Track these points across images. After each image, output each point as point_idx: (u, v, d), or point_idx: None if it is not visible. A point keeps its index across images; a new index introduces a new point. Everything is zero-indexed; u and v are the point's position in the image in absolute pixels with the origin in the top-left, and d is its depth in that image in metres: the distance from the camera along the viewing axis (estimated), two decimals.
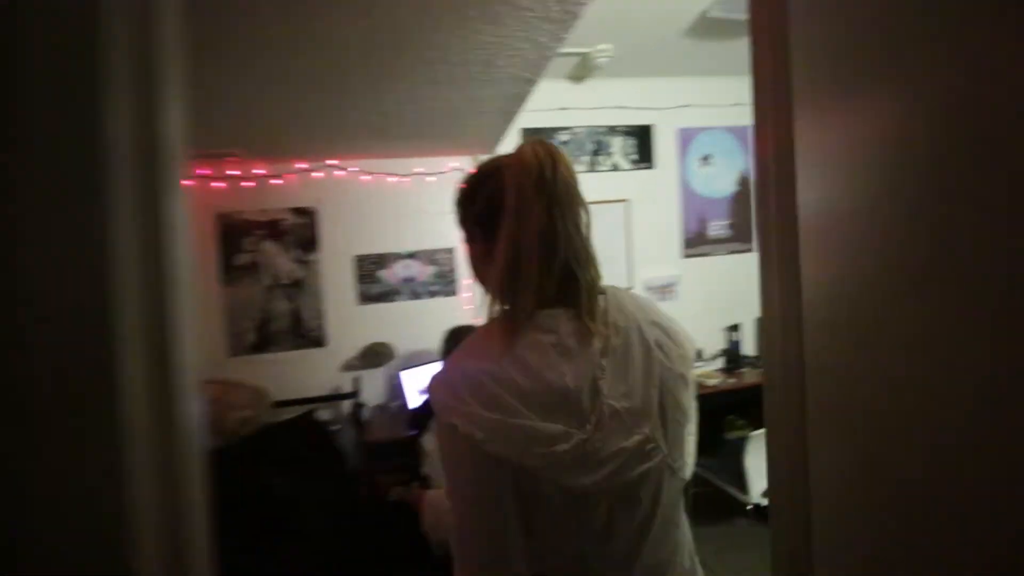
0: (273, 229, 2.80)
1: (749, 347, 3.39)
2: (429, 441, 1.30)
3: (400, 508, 2.04)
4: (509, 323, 0.66)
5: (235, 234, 2.77)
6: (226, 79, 1.61)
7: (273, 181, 2.79)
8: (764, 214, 0.56)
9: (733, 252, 3.55)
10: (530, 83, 1.82)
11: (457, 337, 2.29)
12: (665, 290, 3.37)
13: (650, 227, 3.35)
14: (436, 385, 0.67)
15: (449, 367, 0.68)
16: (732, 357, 3.21)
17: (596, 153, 3.28)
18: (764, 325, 0.58)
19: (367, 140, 2.48)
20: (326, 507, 1.87)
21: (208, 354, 2.75)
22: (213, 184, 2.73)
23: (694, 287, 3.42)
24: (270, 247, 2.80)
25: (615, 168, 3.31)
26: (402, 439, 2.38)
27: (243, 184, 2.76)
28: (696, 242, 3.47)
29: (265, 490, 1.71)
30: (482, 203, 0.73)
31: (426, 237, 3.01)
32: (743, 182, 3.58)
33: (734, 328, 3.37)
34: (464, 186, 0.79)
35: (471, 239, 0.77)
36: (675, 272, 3.39)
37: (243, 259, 2.78)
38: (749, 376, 3.04)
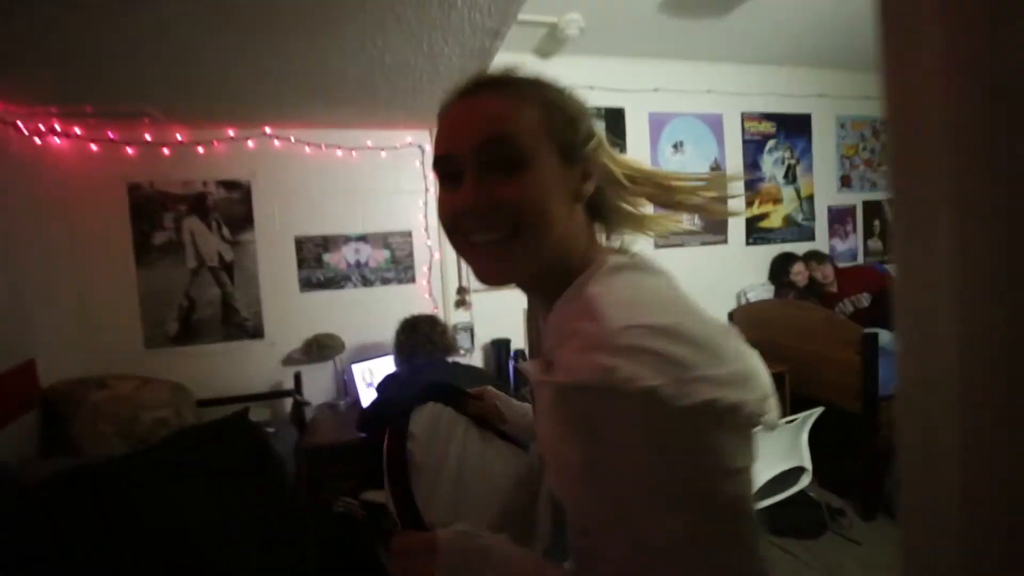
0: (197, 204, 2.45)
1: None
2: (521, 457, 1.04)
3: (348, 521, 1.78)
4: (640, 259, 0.57)
5: (151, 208, 2.40)
6: (125, 19, 1.29)
7: (197, 149, 2.43)
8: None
9: (706, 244, 3.41)
10: (496, 36, 1.57)
11: (415, 328, 2.03)
12: None
13: None
14: (632, 364, 0.43)
15: (633, 332, 0.44)
16: None
17: None
18: (906, 392, 0.35)
19: (308, 104, 2.17)
20: (256, 529, 1.58)
21: (120, 345, 2.39)
22: (124, 150, 2.35)
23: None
24: (194, 224, 2.45)
25: None
26: (351, 442, 2.12)
27: (161, 151, 2.39)
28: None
29: (175, 517, 1.42)
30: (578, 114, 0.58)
31: (379, 218, 2.72)
32: (715, 171, 3.44)
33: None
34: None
35: (545, 156, 0.53)
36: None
37: (162, 237, 2.42)
38: None
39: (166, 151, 2.40)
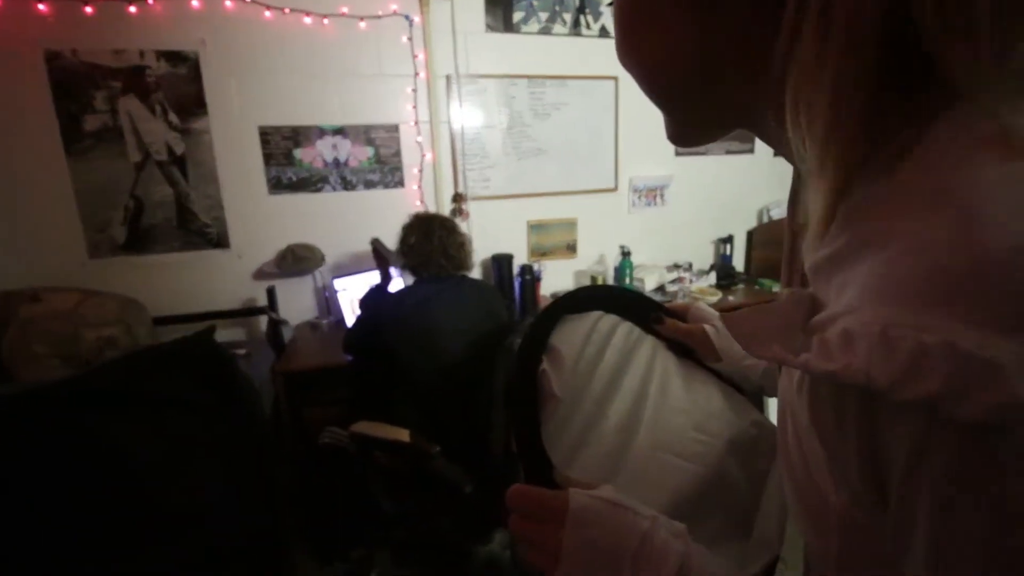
0: (134, 80, 1.99)
1: (739, 262, 3.00)
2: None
3: (335, 454, 1.57)
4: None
5: (78, 84, 1.95)
6: None
7: (128, 8, 1.93)
8: None
9: (730, 153, 3.03)
10: None
11: (428, 234, 1.67)
12: (652, 194, 2.85)
13: (641, 116, 2.74)
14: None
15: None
16: (724, 272, 2.81)
17: (581, 10, 2.55)
18: None
19: None
20: (219, 465, 1.35)
21: (58, 254, 2.04)
22: (34, 6, 1.85)
23: (685, 192, 2.91)
24: (133, 106, 2.01)
25: (604, 33, 2.61)
26: (336, 366, 1.87)
27: (82, 10, 1.89)
28: None
29: (119, 452, 1.17)
30: None
31: (359, 108, 2.28)
32: None
33: (726, 240, 2.94)
34: None
35: None
36: (666, 173, 2.86)
37: (95, 122, 1.99)
38: (743, 294, 2.67)
39: (88, 10, 1.90)
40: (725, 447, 0.58)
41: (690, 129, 0.37)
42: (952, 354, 0.19)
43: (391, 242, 1.81)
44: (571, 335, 0.63)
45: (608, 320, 0.67)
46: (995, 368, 0.18)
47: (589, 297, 0.68)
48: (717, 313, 0.66)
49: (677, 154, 2.89)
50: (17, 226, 1.98)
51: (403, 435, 1.37)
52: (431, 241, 1.63)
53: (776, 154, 0.35)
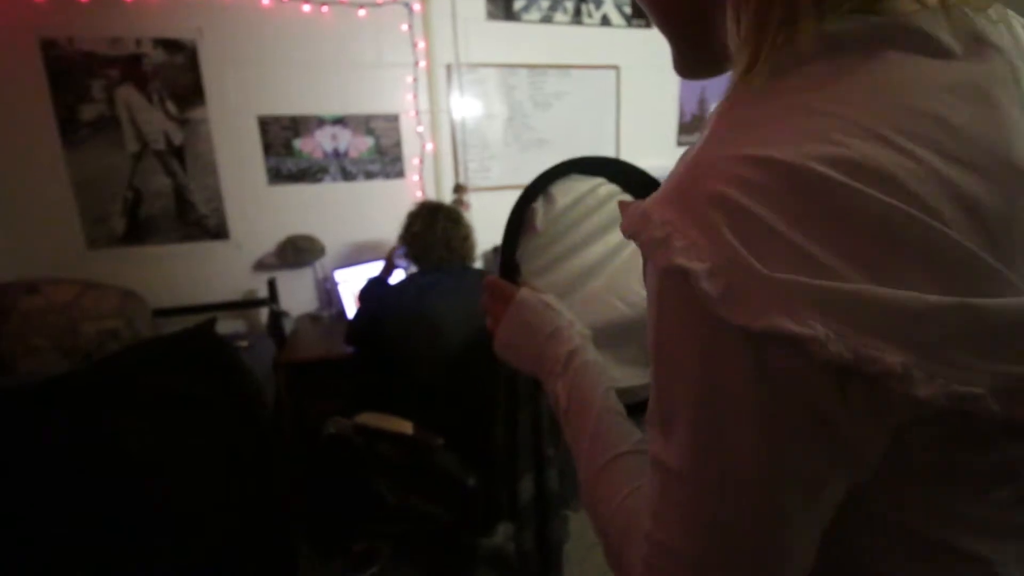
0: (131, 69, 1.96)
1: None
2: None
3: (340, 444, 1.57)
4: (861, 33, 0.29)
5: (75, 74, 1.92)
6: None
7: None
8: None
9: None
10: None
11: (432, 224, 1.63)
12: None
13: (642, 105, 2.72)
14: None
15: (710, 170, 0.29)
16: None
17: None
18: None
19: None
20: (219, 460, 1.35)
21: (56, 245, 2.02)
22: None
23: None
24: (130, 95, 1.98)
25: (605, 22, 2.58)
26: (338, 358, 1.86)
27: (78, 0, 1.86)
28: (693, 127, 2.89)
29: (116, 448, 1.16)
30: None
31: (359, 97, 2.26)
32: None
33: None
34: None
35: None
36: (668, 163, 2.81)
37: (92, 112, 1.96)
38: None
39: None
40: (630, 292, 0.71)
41: (699, 55, 0.41)
42: (642, 211, 0.31)
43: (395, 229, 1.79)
44: (570, 189, 0.72)
45: (608, 188, 0.73)
46: (647, 217, 0.30)
47: (600, 165, 0.74)
48: None
49: (679, 144, 2.87)
50: (15, 218, 1.96)
51: (406, 427, 1.37)
52: (434, 231, 1.61)
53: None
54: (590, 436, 0.46)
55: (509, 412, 1.35)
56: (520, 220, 0.70)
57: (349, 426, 1.53)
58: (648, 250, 0.30)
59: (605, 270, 0.72)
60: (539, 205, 0.70)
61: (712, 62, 0.40)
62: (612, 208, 0.73)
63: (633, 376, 0.64)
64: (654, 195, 0.31)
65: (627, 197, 0.74)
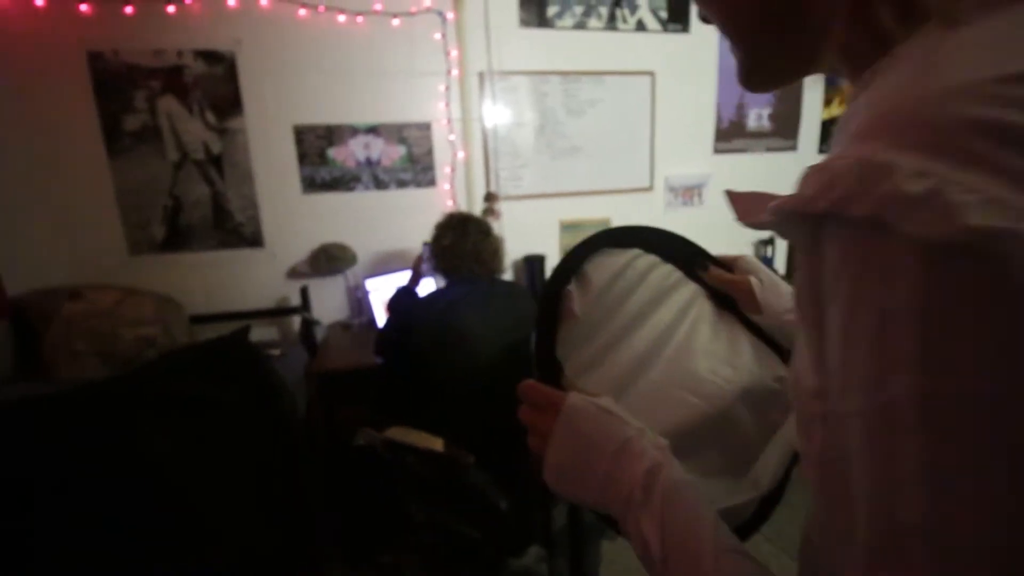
0: (173, 80, 2.01)
1: (781, 263, 2.88)
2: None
3: (369, 456, 1.55)
4: None
5: (118, 85, 1.97)
6: None
7: (167, 8, 1.95)
8: None
9: (771, 150, 2.91)
10: None
11: (464, 236, 1.61)
12: (689, 193, 2.76)
13: (678, 111, 2.66)
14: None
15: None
16: None
17: (618, 3, 2.48)
18: None
19: None
20: (250, 469, 1.34)
21: (101, 251, 2.07)
22: (76, 6, 1.88)
23: (724, 191, 2.81)
24: (171, 106, 2.03)
25: (640, 27, 2.53)
26: (367, 367, 1.85)
27: (123, 11, 1.91)
28: (731, 134, 2.81)
29: (149, 454, 1.16)
30: None
31: (391, 106, 2.26)
32: None
33: (767, 243, 2.83)
34: None
35: None
36: (703, 171, 2.76)
37: (135, 122, 2.01)
38: None
39: (129, 10, 1.92)
40: (738, 392, 0.59)
41: (768, 62, 0.36)
42: (857, 164, 0.22)
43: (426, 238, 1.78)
44: (605, 266, 0.64)
45: (647, 260, 0.67)
46: (887, 168, 0.21)
47: (632, 234, 0.67)
48: (765, 267, 0.67)
49: (715, 152, 2.79)
50: (61, 224, 2.03)
51: (436, 444, 1.34)
52: (465, 244, 1.59)
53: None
54: None
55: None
56: (555, 308, 0.60)
57: (378, 439, 1.51)
58: (895, 215, 0.21)
59: (661, 356, 0.61)
60: (573, 287, 0.61)
61: (793, 69, 0.36)
62: (656, 281, 0.66)
63: (724, 492, 0.52)
64: (845, 148, 0.24)
65: (668, 267, 0.68)
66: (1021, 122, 0.19)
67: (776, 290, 0.64)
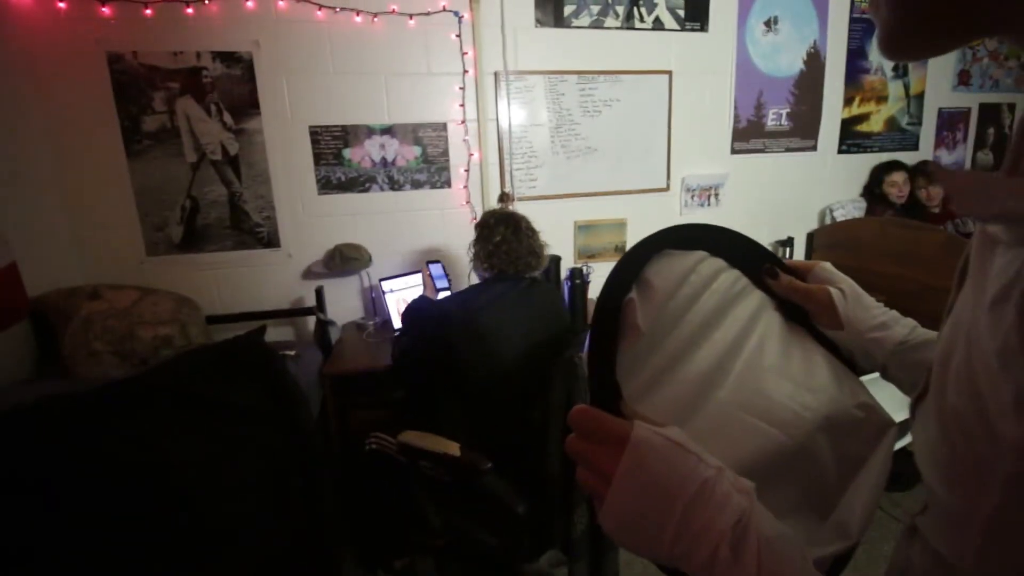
0: (191, 82, 2.02)
1: None
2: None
3: (381, 460, 1.53)
4: None
5: (137, 86, 1.99)
6: None
7: (186, 10, 1.96)
8: None
9: (790, 150, 2.87)
10: None
11: (516, 235, 1.58)
12: (706, 194, 2.72)
13: (696, 111, 2.62)
14: None
15: None
16: None
17: (635, 2, 2.45)
18: None
19: None
20: (263, 472, 1.33)
21: (119, 251, 2.09)
22: (97, 9, 1.90)
23: (741, 192, 2.77)
24: (190, 107, 2.04)
25: (658, 26, 2.50)
26: (383, 368, 1.84)
27: (142, 13, 1.93)
28: (749, 133, 2.76)
29: (160, 455, 1.16)
30: None
31: (408, 107, 2.25)
32: (812, 59, 2.81)
33: (785, 243, 2.78)
34: None
35: None
36: (721, 171, 2.72)
37: (154, 123, 2.02)
38: None
39: (148, 12, 1.93)
40: (819, 422, 0.51)
41: (919, 25, 0.30)
42: None
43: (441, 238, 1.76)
44: (668, 271, 0.55)
45: (712, 263, 0.58)
46: None
47: (697, 235, 0.59)
48: (847, 277, 0.58)
49: (733, 152, 2.75)
50: (80, 225, 2.04)
51: (452, 448, 1.32)
52: (520, 240, 1.56)
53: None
54: None
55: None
56: (615, 321, 0.52)
57: (392, 442, 1.49)
58: None
59: (729, 376, 0.53)
60: (635, 296, 0.53)
61: (952, 30, 0.30)
62: (723, 288, 0.57)
63: (805, 537, 0.45)
64: None
65: (735, 273, 0.59)
66: None
67: (860, 302, 0.56)
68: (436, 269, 2.10)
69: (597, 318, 0.52)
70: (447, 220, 2.38)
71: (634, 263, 0.55)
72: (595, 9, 2.39)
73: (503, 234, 1.56)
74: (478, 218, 2.12)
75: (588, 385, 0.50)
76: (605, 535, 1.11)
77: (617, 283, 0.53)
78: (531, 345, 1.45)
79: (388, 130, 2.25)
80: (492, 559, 1.58)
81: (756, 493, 0.36)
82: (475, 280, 1.84)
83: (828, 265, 0.60)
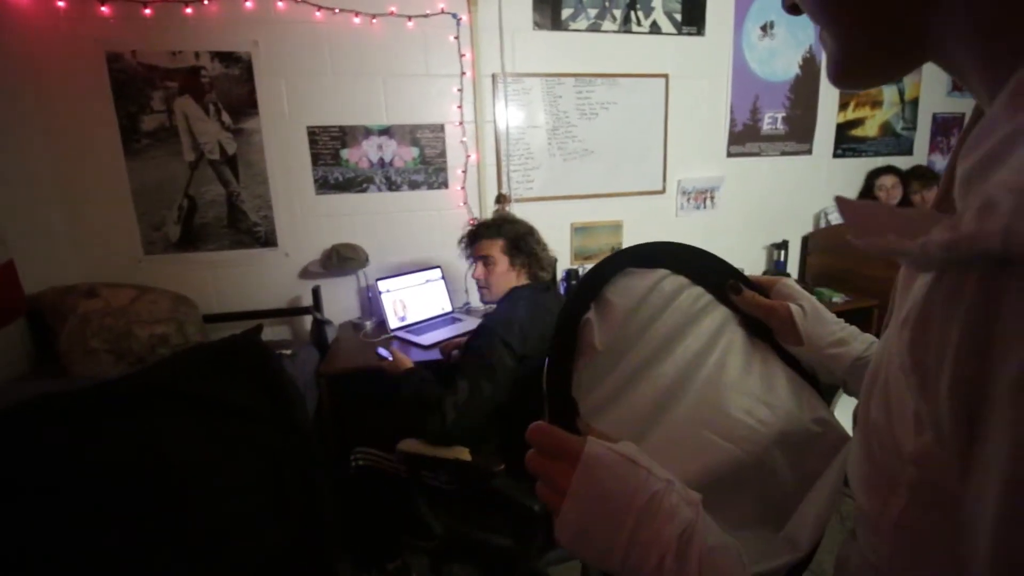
0: (190, 81, 2.02)
1: (794, 268, 2.86)
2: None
3: (373, 474, 1.51)
4: None
5: (136, 86, 1.99)
6: None
7: (185, 10, 1.96)
8: None
9: (786, 154, 2.89)
10: None
11: (532, 231, 1.58)
12: (702, 196, 2.74)
13: (692, 114, 2.64)
14: None
15: None
16: None
17: (632, 6, 2.47)
18: None
19: None
20: (259, 471, 1.34)
21: (116, 249, 2.09)
22: (97, 8, 1.90)
23: (736, 195, 2.79)
24: (188, 106, 2.04)
25: (655, 29, 2.52)
26: (378, 368, 1.84)
27: (141, 12, 1.93)
28: (745, 137, 2.78)
29: (157, 455, 1.16)
30: None
31: (406, 108, 2.27)
32: (807, 64, 2.83)
33: (779, 246, 2.80)
34: None
35: None
36: (717, 174, 2.74)
37: (152, 122, 2.03)
38: None
39: (147, 12, 1.94)
40: (774, 437, 0.53)
41: (863, 55, 0.32)
42: None
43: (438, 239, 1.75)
44: (629, 289, 0.57)
45: (674, 280, 0.60)
46: None
47: (658, 252, 0.60)
48: (808, 294, 0.60)
49: (729, 155, 2.77)
50: (78, 223, 2.05)
51: (463, 453, 1.32)
52: (546, 249, 1.58)
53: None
54: None
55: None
56: (571, 339, 0.54)
57: (383, 457, 1.49)
58: None
59: (687, 392, 0.54)
60: (593, 315, 0.55)
61: (893, 64, 0.31)
62: (685, 305, 0.59)
63: (756, 549, 0.46)
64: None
65: (698, 289, 0.61)
66: None
67: (820, 318, 0.57)
68: (383, 351, 1.73)
69: (556, 336, 0.53)
70: (444, 221, 2.39)
71: (594, 282, 0.56)
72: (592, 12, 2.41)
73: (539, 242, 1.57)
74: (475, 219, 2.12)
75: (547, 403, 0.51)
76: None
77: (576, 301, 0.55)
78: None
79: (386, 131, 2.26)
80: (496, 560, 1.58)
81: (711, 506, 0.38)
82: (472, 284, 1.85)
83: (790, 281, 0.61)
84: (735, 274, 0.62)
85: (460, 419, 1.31)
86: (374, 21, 2.13)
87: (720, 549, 0.35)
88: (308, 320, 2.28)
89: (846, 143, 3.02)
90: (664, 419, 0.53)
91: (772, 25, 2.73)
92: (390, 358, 1.58)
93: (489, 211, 2.41)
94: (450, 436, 1.33)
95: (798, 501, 0.51)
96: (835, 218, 2.94)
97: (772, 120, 2.82)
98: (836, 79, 0.33)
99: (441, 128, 2.31)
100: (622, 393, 0.54)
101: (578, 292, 0.55)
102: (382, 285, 2.21)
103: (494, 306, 1.63)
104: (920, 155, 3.22)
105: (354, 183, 2.27)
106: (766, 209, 2.86)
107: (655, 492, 0.36)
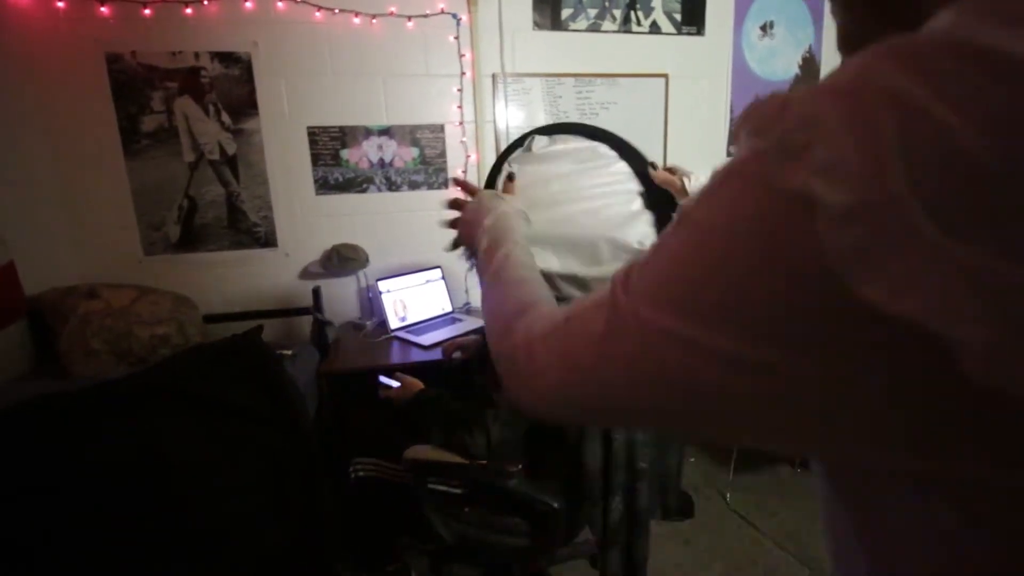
0: (189, 82, 2.02)
1: None
2: None
3: (372, 485, 1.49)
4: None
5: (136, 86, 1.99)
6: None
7: (185, 11, 1.96)
8: None
9: None
10: None
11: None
12: None
13: (692, 114, 2.64)
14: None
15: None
16: None
17: (632, 6, 2.47)
18: None
19: None
20: (260, 472, 1.34)
21: (116, 250, 2.09)
22: (96, 8, 1.90)
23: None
24: (188, 107, 2.04)
25: (655, 29, 2.52)
26: (380, 368, 1.84)
27: (141, 13, 1.93)
28: None
29: (157, 455, 1.16)
30: None
31: (406, 108, 2.27)
32: (807, 63, 2.83)
33: None
34: None
35: None
36: None
37: (152, 123, 2.03)
38: None
39: (147, 12, 1.94)
40: (605, 230, 0.75)
41: (867, 27, 0.33)
42: (780, 104, 0.23)
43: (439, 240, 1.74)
44: (570, 140, 0.81)
45: (607, 149, 0.81)
46: (787, 104, 0.23)
47: (598, 131, 0.81)
48: (698, 170, 1.01)
49: (729, 155, 2.76)
50: (78, 224, 2.05)
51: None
52: None
53: None
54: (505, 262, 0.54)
55: (605, 431, 1.30)
56: (520, 142, 0.81)
57: (385, 467, 1.48)
58: (769, 159, 0.22)
59: (585, 201, 0.76)
60: (541, 140, 0.80)
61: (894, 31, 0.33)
62: (612, 155, 0.80)
63: (575, 265, 0.72)
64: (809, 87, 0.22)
65: (623, 165, 0.80)
66: (921, 97, 0.18)
67: (701, 184, 0.74)
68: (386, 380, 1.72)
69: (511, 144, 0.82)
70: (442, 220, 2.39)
71: (552, 128, 0.82)
72: (592, 12, 2.41)
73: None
74: None
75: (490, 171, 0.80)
76: (638, 520, 1.22)
77: (529, 134, 0.82)
78: None
79: (386, 131, 2.26)
80: (505, 561, 1.55)
81: (556, 253, 0.72)
82: (474, 284, 1.85)
83: (685, 167, 1.03)
84: (648, 161, 0.84)
85: (505, 432, 1.29)
86: (374, 21, 2.13)
87: (524, 245, 0.57)
88: (308, 320, 2.28)
89: None
90: (557, 207, 0.76)
91: (772, 25, 2.73)
92: (397, 385, 1.54)
93: None
94: (495, 453, 1.30)
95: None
96: None
97: None
98: (843, 49, 0.34)
99: (441, 128, 2.31)
100: (529, 191, 0.75)
101: (533, 131, 0.82)
102: (382, 285, 2.21)
103: None
104: None
105: (354, 183, 2.27)
106: None
107: (504, 211, 0.62)
